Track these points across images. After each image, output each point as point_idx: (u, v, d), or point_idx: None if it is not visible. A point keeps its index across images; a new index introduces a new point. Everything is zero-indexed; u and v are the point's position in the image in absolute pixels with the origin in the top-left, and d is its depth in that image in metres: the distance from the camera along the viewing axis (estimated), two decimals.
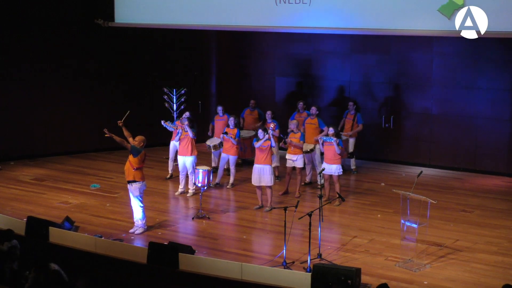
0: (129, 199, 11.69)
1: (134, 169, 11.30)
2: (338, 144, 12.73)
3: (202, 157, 14.55)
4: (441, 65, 15.64)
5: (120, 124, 11.81)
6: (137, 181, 11.35)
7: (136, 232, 11.52)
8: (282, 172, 14.57)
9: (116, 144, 11.63)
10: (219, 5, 14.93)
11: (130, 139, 11.58)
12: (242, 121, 15.81)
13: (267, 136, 12.52)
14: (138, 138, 11.55)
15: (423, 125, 15.98)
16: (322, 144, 13.04)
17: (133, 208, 11.59)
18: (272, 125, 13.07)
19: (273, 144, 12.62)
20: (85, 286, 8.26)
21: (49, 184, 14.57)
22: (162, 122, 14.12)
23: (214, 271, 9.57)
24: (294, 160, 13.42)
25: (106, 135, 11.63)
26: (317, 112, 14.41)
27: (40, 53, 16.49)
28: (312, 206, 12.19)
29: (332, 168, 12.79)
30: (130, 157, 11.35)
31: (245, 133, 15.36)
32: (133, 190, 11.40)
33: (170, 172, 14.95)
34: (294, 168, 13.50)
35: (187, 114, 13.86)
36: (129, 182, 11.41)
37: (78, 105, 17.18)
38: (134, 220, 11.62)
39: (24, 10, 16.26)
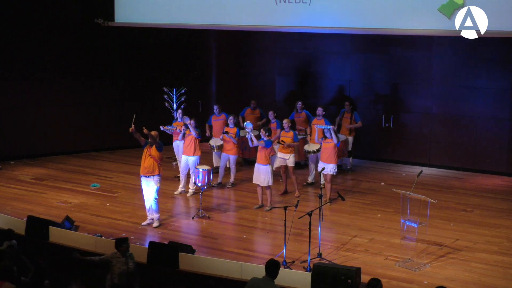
0: (139, 195, 11.97)
1: (158, 163, 11.69)
2: (336, 134, 12.67)
3: (203, 157, 14.53)
4: (441, 65, 15.64)
5: (132, 130, 11.72)
6: (160, 174, 11.77)
7: (154, 225, 11.85)
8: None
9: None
10: (219, 5, 14.93)
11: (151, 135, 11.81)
12: (241, 120, 15.82)
13: (254, 138, 12.62)
14: (155, 133, 11.82)
15: (423, 124, 15.98)
16: (322, 137, 12.97)
17: (147, 201, 11.87)
18: (263, 132, 12.95)
19: (256, 142, 12.59)
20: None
21: (49, 183, 14.58)
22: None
23: (214, 270, 9.58)
24: (287, 159, 13.41)
25: (144, 132, 11.76)
26: (324, 112, 14.35)
27: (40, 52, 16.49)
28: (312, 206, 12.19)
29: (327, 167, 12.76)
30: (154, 152, 11.65)
31: (245, 132, 15.37)
32: (155, 183, 11.72)
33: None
34: (286, 166, 13.50)
35: (186, 119, 13.75)
36: (150, 176, 11.69)
37: (78, 105, 17.20)
38: (148, 213, 11.93)
39: (23, 10, 16.26)
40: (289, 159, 13.40)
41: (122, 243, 9.05)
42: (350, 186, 14.42)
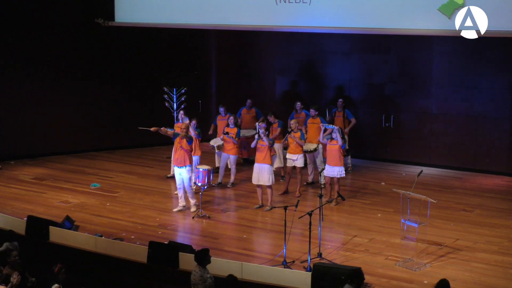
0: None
1: (189, 154, 12.47)
2: (342, 136, 12.70)
3: (204, 157, 14.54)
4: (441, 65, 15.64)
5: (155, 129, 12.87)
6: (190, 164, 12.55)
7: (192, 210, 12.59)
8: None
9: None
10: (219, 5, 14.92)
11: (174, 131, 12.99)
12: (239, 121, 15.82)
13: (257, 136, 12.57)
14: (186, 125, 12.69)
15: (423, 124, 15.98)
16: (325, 135, 12.98)
17: (180, 189, 12.62)
18: (260, 123, 13.07)
19: (266, 142, 12.53)
20: None
21: (49, 183, 14.58)
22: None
23: (214, 270, 9.55)
24: (295, 159, 13.42)
25: (181, 132, 12.54)
26: (317, 112, 14.38)
27: (40, 53, 16.48)
28: (312, 205, 12.20)
29: (335, 170, 12.74)
30: (184, 145, 12.40)
31: (245, 132, 15.36)
32: (187, 173, 12.44)
33: (171, 173, 14.89)
34: (294, 167, 13.51)
35: (185, 119, 13.81)
36: (182, 167, 12.42)
37: (78, 105, 17.19)
38: (180, 200, 12.64)
39: (23, 9, 16.25)
40: (297, 160, 13.40)
41: (207, 255, 8.64)
42: (350, 186, 14.42)
